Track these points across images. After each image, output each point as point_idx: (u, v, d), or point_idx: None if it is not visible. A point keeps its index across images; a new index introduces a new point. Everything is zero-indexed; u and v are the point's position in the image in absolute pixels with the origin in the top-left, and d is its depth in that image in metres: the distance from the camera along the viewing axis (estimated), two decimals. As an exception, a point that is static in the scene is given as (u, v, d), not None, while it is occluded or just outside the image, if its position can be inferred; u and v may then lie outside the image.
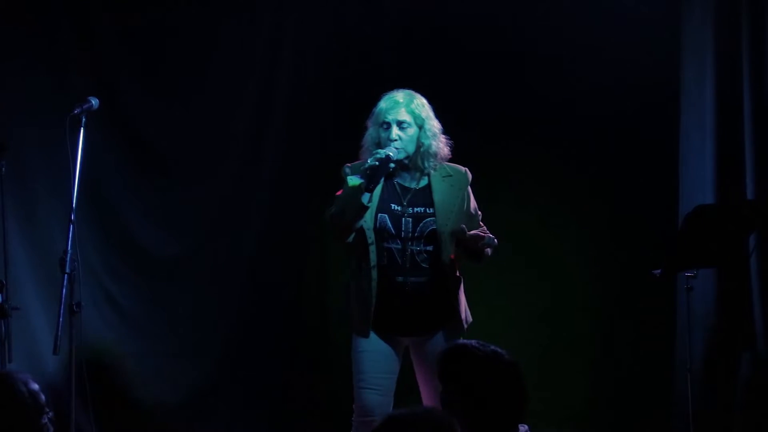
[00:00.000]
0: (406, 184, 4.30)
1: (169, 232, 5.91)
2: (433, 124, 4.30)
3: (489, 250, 4.26)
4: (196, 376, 5.86)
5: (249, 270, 5.91)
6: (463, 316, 4.35)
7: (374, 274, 4.19)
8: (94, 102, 4.65)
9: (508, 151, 5.76)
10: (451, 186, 4.29)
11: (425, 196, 4.29)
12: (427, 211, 4.29)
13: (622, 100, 5.69)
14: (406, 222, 4.23)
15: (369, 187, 4.05)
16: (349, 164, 4.30)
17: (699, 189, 5.50)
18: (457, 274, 4.38)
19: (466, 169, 4.36)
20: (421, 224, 4.28)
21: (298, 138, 5.88)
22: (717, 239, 4.84)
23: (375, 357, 4.27)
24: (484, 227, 4.37)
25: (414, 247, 4.20)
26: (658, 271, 4.84)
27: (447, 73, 5.72)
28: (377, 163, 4.11)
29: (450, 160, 4.42)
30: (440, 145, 4.31)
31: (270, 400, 5.90)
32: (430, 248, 4.23)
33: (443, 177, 4.29)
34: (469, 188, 4.38)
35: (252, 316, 5.92)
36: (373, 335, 4.26)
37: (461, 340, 3.31)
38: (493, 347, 3.10)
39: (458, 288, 4.37)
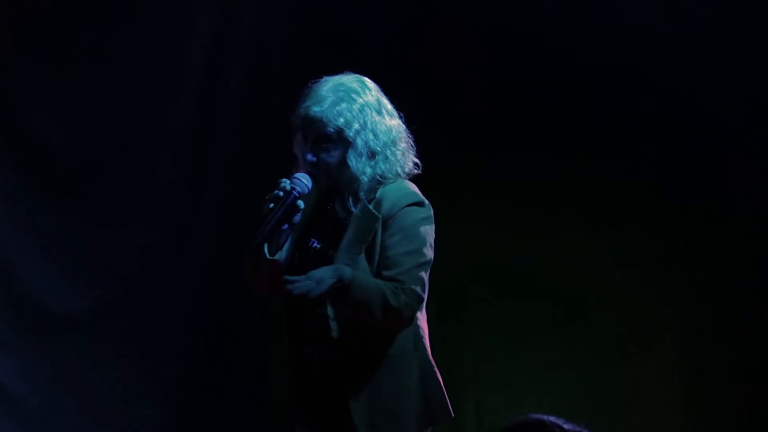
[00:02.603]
0: (338, 211, 3.58)
1: (76, 277, 5.26)
2: (371, 138, 3.52)
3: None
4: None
5: (192, 322, 5.29)
6: (410, 422, 3.56)
7: (287, 341, 3.61)
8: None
9: (596, 159, 5.21)
10: (371, 217, 3.51)
11: (342, 230, 3.57)
12: (329, 252, 3.56)
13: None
14: (314, 267, 3.47)
15: (258, 240, 3.39)
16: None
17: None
18: (404, 347, 3.56)
19: (417, 192, 3.55)
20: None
21: (255, 138, 5.30)
22: None
23: None
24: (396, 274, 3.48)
25: (327, 308, 3.50)
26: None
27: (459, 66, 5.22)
28: (271, 204, 3.40)
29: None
30: (385, 167, 3.53)
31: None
32: (327, 309, 3.51)
33: (368, 202, 3.54)
34: (405, 216, 3.52)
35: (202, 387, 5.29)
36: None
37: (536, 414, 2.78)
38: (580, 427, 2.68)
39: (399, 373, 3.55)
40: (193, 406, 5.29)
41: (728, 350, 5.10)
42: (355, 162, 3.48)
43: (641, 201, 5.21)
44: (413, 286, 3.42)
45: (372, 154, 3.50)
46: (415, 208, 3.49)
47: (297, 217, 3.41)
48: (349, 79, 3.52)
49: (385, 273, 3.44)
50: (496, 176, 5.20)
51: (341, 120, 3.45)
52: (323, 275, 3.33)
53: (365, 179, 3.49)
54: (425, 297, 3.48)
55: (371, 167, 3.50)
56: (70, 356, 5.21)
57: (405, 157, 3.56)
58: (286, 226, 3.39)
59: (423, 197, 3.55)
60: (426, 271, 3.51)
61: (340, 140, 3.48)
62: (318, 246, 3.58)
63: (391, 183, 3.55)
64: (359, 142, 3.48)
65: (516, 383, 5.16)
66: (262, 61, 5.31)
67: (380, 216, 3.48)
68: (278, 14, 5.30)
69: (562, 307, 5.18)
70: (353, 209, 3.51)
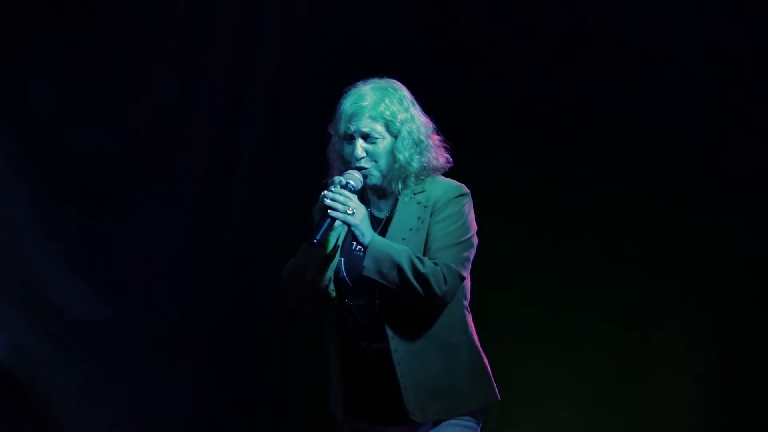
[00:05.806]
0: (378, 214, 3.71)
1: (101, 285, 5.22)
2: (414, 128, 3.64)
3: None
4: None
5: (216, 330, 5.26)
6: (458, 401, 3.63)
7: (339, 342, 3.68)
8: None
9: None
10: (417, 204, 3.63)
11: (384, 229, 3.69)
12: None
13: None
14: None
15: (315, 238, 3.45)
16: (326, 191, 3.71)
17: None
18: (452, 332, 3.63)
19: (462, 185, 3.66)
20: None
21: (279, 150, 5.34)
22: None
23: None
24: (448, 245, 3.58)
25: (377, 300, 3.58)
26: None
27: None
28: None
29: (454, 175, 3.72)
30: (428, 156, 3.66)
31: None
32: (379, 301, 3.60)
33: (414, 194, 3.64)
34: (452, 205, 3.62)
35: (226, 394, 5.28)
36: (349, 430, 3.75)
37: None
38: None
39: (448, 356, 3.64)
40: (217, 413, 5.25)
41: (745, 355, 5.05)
42: (403, 152, 3.58)
43: (660, 211, 5.13)
44: (448, 262, 3.51)
45: (417, 144, 3.61)
46: (460, 198, 3.61)
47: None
48: (380, 83, 3.63)
49: (428, 252, 3.54)
50: (512, 186, 5.20)
51: (387, 114, 3.56)
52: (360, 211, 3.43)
53: (414, 168, 3.58)
54: (464, 274, 3.55)
55: (418, 156, 3.60)
56: (95, 364, 5.17)
57: (439, 151, 3.66)
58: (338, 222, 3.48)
59: (467, 190, 3.67)
60: (467, 250, 3.59)
61: (388, 133, 3.58)
62: (361, 248, 3.64)
63: (435, 177, 3.65)
64: (405, 132, 3.58)
65: (536, 392, 5.12)
66: (287, 72, 5.29)
67: (430, 206, 3.56)
68: (303, 23, 5.30)
69: (580, 316, 5.14)
70: (402, 196, 3.57)
